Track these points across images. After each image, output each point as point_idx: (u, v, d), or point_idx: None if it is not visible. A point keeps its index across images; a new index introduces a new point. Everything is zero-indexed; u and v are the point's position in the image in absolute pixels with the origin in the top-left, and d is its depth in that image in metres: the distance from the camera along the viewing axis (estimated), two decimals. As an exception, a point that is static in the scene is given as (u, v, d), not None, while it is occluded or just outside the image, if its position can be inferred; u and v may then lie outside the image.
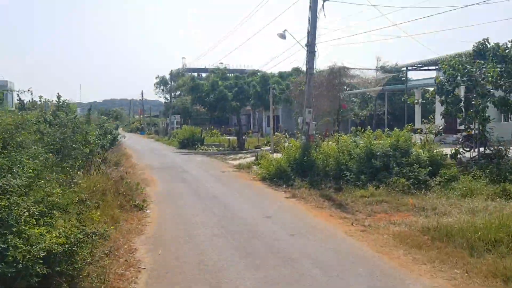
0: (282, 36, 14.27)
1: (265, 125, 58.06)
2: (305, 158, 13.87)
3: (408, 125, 16.36)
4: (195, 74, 53.88)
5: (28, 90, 12.85)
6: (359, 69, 17.20)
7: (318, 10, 14.06)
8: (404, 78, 26.31)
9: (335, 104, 16.79)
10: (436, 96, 14.32)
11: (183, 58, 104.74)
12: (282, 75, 31.39)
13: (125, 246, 6.87)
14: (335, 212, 9.66)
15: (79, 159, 11.01)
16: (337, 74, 16.43)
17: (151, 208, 10.00)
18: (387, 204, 10.27)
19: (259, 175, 15.26)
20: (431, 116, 19.59)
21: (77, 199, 7.40)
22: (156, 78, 73.63)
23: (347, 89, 18.72)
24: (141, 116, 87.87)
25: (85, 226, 5.32)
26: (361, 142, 13.68)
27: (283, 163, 14.04)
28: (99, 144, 10.39)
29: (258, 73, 32.26)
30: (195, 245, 7.04)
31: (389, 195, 10.94)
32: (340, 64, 16.60)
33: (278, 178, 13.91)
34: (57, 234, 4.67)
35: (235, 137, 38.30)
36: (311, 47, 14.19)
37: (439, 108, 28.61)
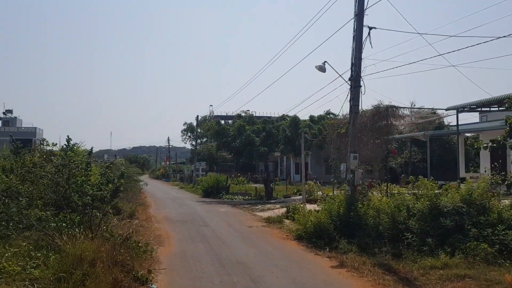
0: (322, 68, 12.28)
1: (293, 173, 55.66)
2: (351, 213, 11.35)
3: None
4: (222, 122, 52.85)
5: (44, 140, 11.09)
6: (410, 108, 14.81)
7: (363, 39, 12.08)
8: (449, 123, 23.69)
9: (381, 149, 14.39)
10: (508, 139, 11.70)
11: (210, 105, 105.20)
12: (313, 119, 29.35)
13: None
14: (404, 292, 7.06)
15: (78, 213, 8.96)
16: (384, 114, 14.15)
17: (159, 281, 7.65)
18: (473, 281, 7.63)
19: (293, 233, 12.75)
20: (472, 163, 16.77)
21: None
22: (183, 125, 73.44)
23: (396, 132, 16.31)
24: (167, 163, 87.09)
25: None
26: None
27: (323, 219, 11.53)
28: (98, 196, 8.27)
29: (287, 118, 30.36)
30: None
31: (471, 267, 8.29)
32: (388, 102, 14.35)
33: (317, 237, 11.37)
34: None
35: (262, 185, 35.98)
36: (356, 81, 12.09)
37: (484, 155, 25.78)
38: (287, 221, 15.87)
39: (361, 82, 12.12)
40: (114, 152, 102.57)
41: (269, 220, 16.22)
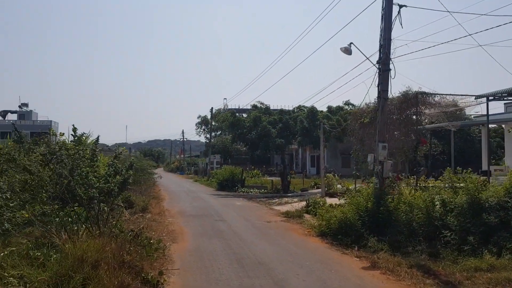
0: (347, 50, 11.27)
1: (308, 165, 54.59)
2: (381, 208, 10.38)
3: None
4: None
5: (51, 130, 10.80)
6: (442, 95, 13.68)
7: (392, 18, 11.03)
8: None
9: (409, 140, 13.32)
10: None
11: (224, 99, 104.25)
12: (331, 110, 28.26)
13: None
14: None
15: (84, 208, 8.21)
16: (413, 101, 13.05)
17: (171, 284, 6.84)
18: (529, 287, 6.63)
19: (315, 229, 11.86)
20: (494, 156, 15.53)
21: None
22: (198, 118, 72.82)
23: (426, 121, 15.19)
24: (182, 156, 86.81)
25: None
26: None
27: (350, 215, 10.58)
28: (104, 189, 7.49)
29: (304, 108, 29.31)
30: None
31: (523, 270, 7.28)
32: (417, 88, 13.23)
33: (343, 234, 10.45)
34: None
35: (278, 178, 35.04)
36: (384, 64, 11.05)
37: (510, 148, 24.32)
38: (307, 216, 14.98)
39: (391, 65, 11.08)
40: (129, 145, 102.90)
41: (288, 215, 15.35)
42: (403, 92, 13.36)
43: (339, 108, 28.58)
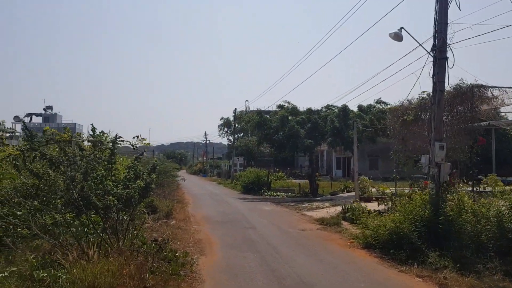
0: (397, 36, 9.88)
1: (334, 168, 52.89)
2: (441, 218, 8.95)
3: None
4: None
5: (66, 129, 9.95)
6: (503, 88, 12.10)
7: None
8: None
9: (464, 138, 11.79)
10: None
11: (246, 101, 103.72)
12: (362, 109, 26.67)
13: None
14: None
15: (100, 217, 7.13)
16: (468, 96, 11.53)
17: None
18: None
19: (359, 240, 10.50)
20: None
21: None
22: (220, 119, 72.16)
23: (484, 118, 13.57)
24: (204, 158, 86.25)
25: None
26: None
27: (402, 225, 9.17)
28: (123, 196, 6.36)
29: (333, 107, 27.82)
30: None
31: None
32: (473, 80, 11.68)
33: (395, 247, 9.05)
34: None
35: (305, 181, 33.62)
36: (440, 51, 9.62)
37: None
38: (345, 224, 13.62)
39: (448, 53, 9.65)
40: (152, 148, 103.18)
41: (323, 222, 14.00)
42: (455, 85, 11.85)
43: (370, 107, 26.96)
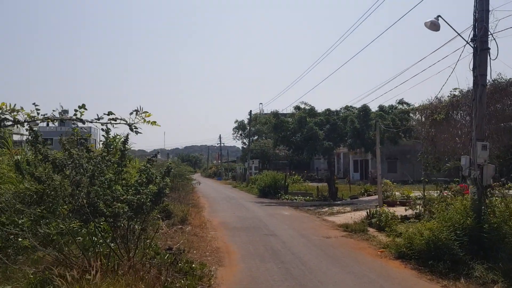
0: (434, 25, 8.99)
1: (351, 171, 51.72)
2: (485, 226, 8.03)
3: None
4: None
5: (75, 130, 9.47)
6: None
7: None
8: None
9: (504, 137, 10.82)
10: None
11: (260, 103, 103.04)
12: (383, 109, 25.62)
13: None
14: None
15: (109, 226, 6.44)
16: (509, 91, 10.57)
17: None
18: None
19: (391, 249, 9.61)
20: None
21: None
22: (235, 122, 71.72)
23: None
24: (219, 161, 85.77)
25: None
26: None
27: (441, 234, 8.26)
28: (133, 202, 5.64)
29: (351, 109, 26.84)
30: None
31: None
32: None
33: (433, 258, 8.15)
34: None
35: (322, 184, 32.68)
36: (482, 42, 8.71)
37: None
38: (371, 230, 12.72)
39: (489, 43, 8.73)
40: (167, 151, 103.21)
41: (347, 228, 13.12)
42: (493, 80, 10.89)
43: (392, 107, 25.90)
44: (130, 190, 6.03)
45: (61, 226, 6.33)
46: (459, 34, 9.03)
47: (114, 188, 5.62)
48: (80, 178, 5.60)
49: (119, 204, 5.47)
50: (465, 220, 8.33)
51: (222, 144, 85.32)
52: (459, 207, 8.69)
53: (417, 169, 37.51)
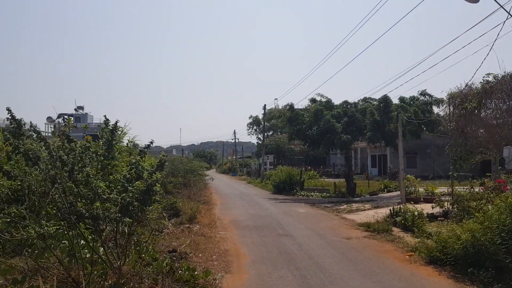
0: (473, -4, 7.83)
1: (369, 166, 50.31)
2: (536, 228, 6.86)
3: None
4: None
5: (69, 120, 9.07)
6: None
7: None
8: None
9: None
10: None
11: (275, 99, 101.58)
12: (404, 101, 24.27)
13: None
14: None
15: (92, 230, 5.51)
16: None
17: None
18: None
19: (421, 253, 8.50)
20: None
21: None
22: (249, 118, 70.90)
23: None
24: (233, 157, 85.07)
25: None
26: None
27: (484, 236, 7.13)
28: (117, 202, 4.70)
29: (370, 100, 25.53)
30: None
31: None
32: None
33: (474, 265, 7.05)
34: None
35: (339, 180, 31.49)
36: (529, 14, 7.50)
37: None
38: (396, 230, 11.61)
39: (538, 16, 7.51)
40: (183, 147, 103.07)
41: (369, 228, 12.02)
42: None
43: (413, 99, 24.51)
44: (118, 187, 5.08)
45: (39, 229, 5.46)
46: (501, 6, 7.83)
47: (94, 184, 4.68)
48: (56, 173, 4.67)
49: (97, 204, 4.52)
50: (511, 220, 7.17)
51: (237, 140, 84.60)
52: (504, 207, 7.52)
53: (437, 164, 36.03)
